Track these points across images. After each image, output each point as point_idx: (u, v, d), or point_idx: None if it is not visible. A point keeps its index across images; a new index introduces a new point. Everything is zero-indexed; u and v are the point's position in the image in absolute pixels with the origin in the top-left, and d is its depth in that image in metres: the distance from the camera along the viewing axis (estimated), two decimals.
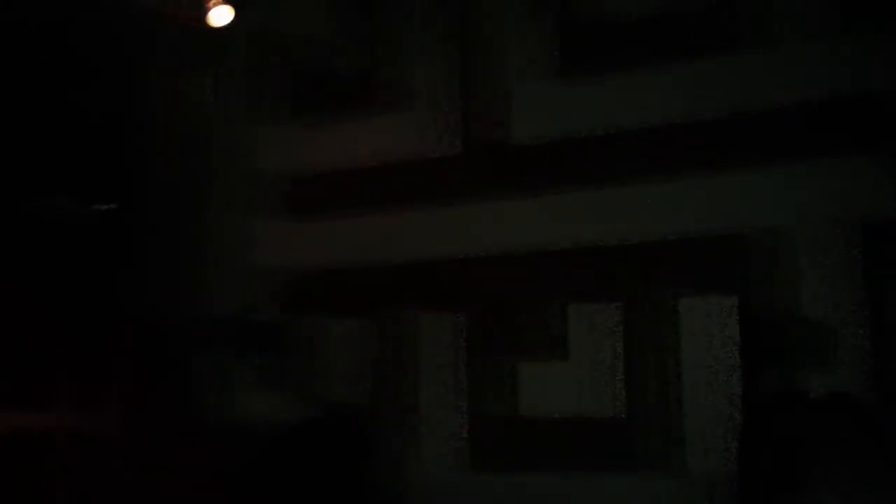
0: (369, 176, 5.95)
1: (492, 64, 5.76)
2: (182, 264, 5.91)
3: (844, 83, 4.91)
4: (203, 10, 5.90)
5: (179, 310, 5.69)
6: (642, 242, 5.25)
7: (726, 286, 5.01)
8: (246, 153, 6.25)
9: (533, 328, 5.46)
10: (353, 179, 6.00)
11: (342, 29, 6.18)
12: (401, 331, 5.75)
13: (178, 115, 6.11)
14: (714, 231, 5.10)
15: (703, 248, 5.12)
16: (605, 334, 5.28)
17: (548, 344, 5.40)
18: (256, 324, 5.89)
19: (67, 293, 5.22)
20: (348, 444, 2.28)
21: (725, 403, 4.87)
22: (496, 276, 5.58)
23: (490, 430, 5.49)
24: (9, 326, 4.81)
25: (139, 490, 3.19)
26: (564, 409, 5.31)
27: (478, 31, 5.82)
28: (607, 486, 5.14)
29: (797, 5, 5.05)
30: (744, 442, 4.01)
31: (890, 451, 4.05)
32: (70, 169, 5.51)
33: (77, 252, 5.47)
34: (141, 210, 5.86)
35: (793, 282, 4.91)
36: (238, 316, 5.92)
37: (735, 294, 4.96)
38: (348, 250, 5.93)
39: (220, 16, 5.93)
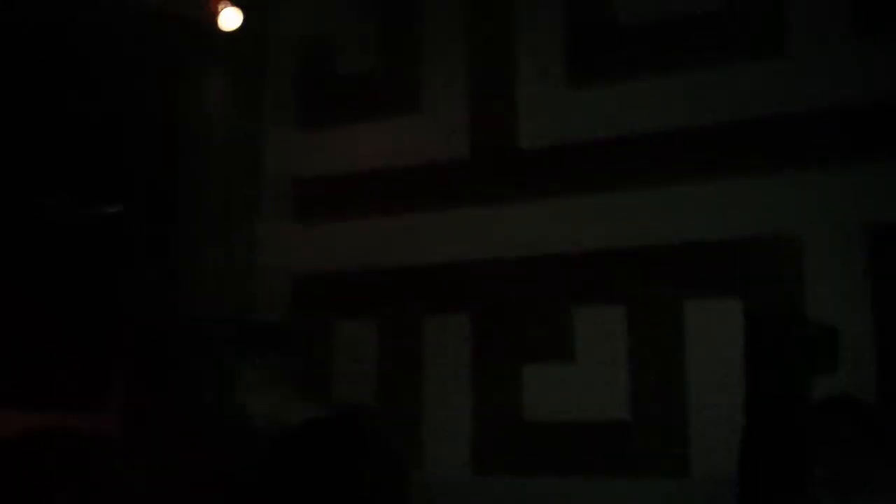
0: (376, 179, 5.96)
1: (499, 68, 5.76)
2: (186, 266, 5.90)
3: (850, 90, 4.90)
4: (211, 13, 5.91)
5: (185, 311, 5.71)
6: (648, 246, 5.26)
7: (731, 289, 4.90)
8: (251, 156, 6.25)
9: (538, 331, 5.46)
10: (359, 183, 6.00)
11: (349, 32, 6.18)
12: (405, 333, 5.76)
13: (182, 116, 6.09)
14: (719, 235, 5.09)
15: (709, 251, 5.11)
16: (609, 337, 5.27)
17: (553, 346, 5.40)
18: (262, 325, 5.91)
19: (71, 294, 5.23)
20: (352, 446, 2.27)
21: (730, 406, 4.84)
22: (501, 278, 5.59)
23: (494, 432, 5.49)
24: (11, 327, 4.82)
25: (142, 491, 3.18)
26: (569, 411, 5.31)
27: (485, 35, 5.84)
28: (611, 489, 5.12)
29: (806, 12, 5.05)
30: (744, 443, 3.98)
31: (890, 452, 4.03)
32: (72, 169, 5.51)
33: (81, 253, 5.48)
34: (144, 211, 5.87)
35: (798, 286, 4.89)
36: (243, 317, 5.93)
37: (739, 297, 4.92)
38: (354, 253, 5.94)
39: (229, 19, 5.94)
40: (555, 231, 5.48)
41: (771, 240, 4.91)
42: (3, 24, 5.09)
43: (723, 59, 5.19)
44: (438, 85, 5.91)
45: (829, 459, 3.98)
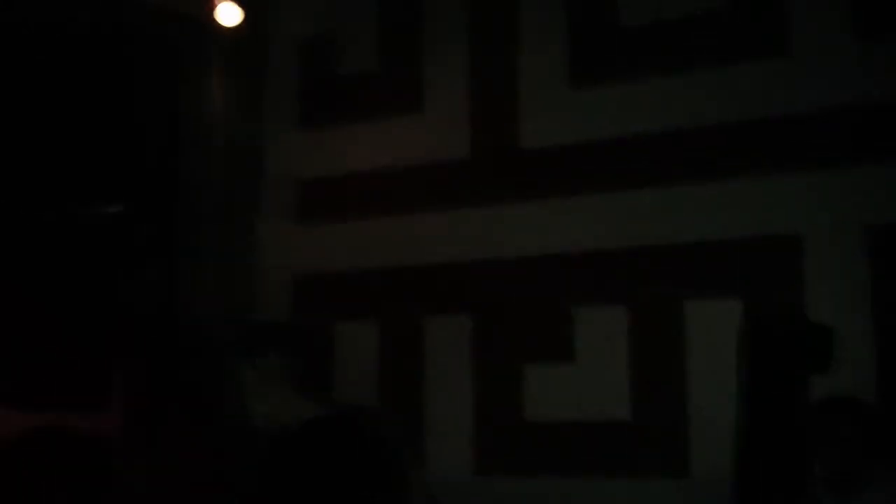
0: (377, 179, 5.96)
1: (500, 68, 5.76)
2: (186, 266, 5.89)
3: (851, 90, 4.91)
4: (210, 11, 5.91)
5: (185, 311, 5.72)
6: (648, 246, 5.26)
7: (731, 289, 5.00)
8: (252, 156, 6.26)
9: (538, 331, 5.46)
10: (360, 183, 6.00)
11: (349, 32, 6.17)
12: (406, 334, 5.76)
13: (182, 117, 6.08)
14: (720, 235, 5.10)
15: (709, 251, 5.12)
16: (610, 337, 5.27)
17: (553, 347, 5.40)
18: (262, 325, 5.92)
19: (72, 294, 5.22)
20: (350, 445, 2.27)
21: (731, 406, 4.83)
22: (502, 279, 5.59)
23: (495, 432, 5.49)
24: (11, 327, 4.81)
25: (142, 491, 3.18)
26: (569, 411, 5.31)
27: (487, 35, 5.83)
28: (611, 489, 5.12)
29: (807, 14, 5.05)
30: (740, 442, 3.99)
31: (890, 452, 4.03)
32: (72, 170, 5.51)
33: (81, 253, 5.47)
34: (144, 211, 5.87)
35: (798, 286, 4.91)
36: (243, 317, 5.94)
37: (740, 297, 4.93)
38: (355, 253, 5.94)
39: (228, 15, 5.92)
40: (555, 231, 5.47)
41: (771, 240, 4.97)
42: (1, 24, 5.09)
43: (724, 59, 5.19)
44: (439, 85, 5.90)
45: (829, 459, 3.99)
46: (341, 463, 2.33)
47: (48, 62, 5.45)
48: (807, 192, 4.95)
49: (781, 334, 4.13)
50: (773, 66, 5.09)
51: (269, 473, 2.40)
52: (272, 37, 6.36)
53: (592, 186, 5.42)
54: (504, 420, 5.47)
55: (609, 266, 5.35)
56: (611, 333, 5.27)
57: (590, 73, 5.55)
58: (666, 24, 5.35)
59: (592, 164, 5.44)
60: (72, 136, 5.48)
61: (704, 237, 5.13)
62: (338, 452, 2.35)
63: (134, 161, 5.71)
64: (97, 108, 5.58)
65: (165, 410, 3.40)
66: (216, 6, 5.89)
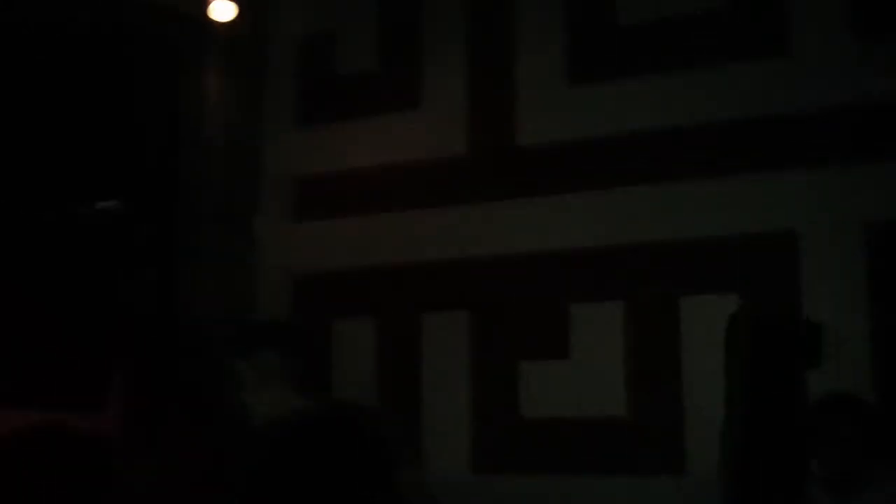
0: (375, 177, 5.97)
1: (498, 66, 5.77)
2: (186, 266, 5.91)
3: (850, 90, 4.92)
4: (206, 7, 5.92)
5: (185, 311, 5.74)
6: (645, 243, 5.27)
7: (728, 286, 5.00)
8: (251, 155, 6.26)
9: (536, 328, 5.47)
10: (358, 181, 6.01)
11: (350, 31, 6.17)
12: (404, 331, 5.77)
13: (182, 115, 6.10)
14: (717, 233, 5.11)
15: (706, 249, 5.13)
16: (606, 334, 5.29)
17: (550, 343, 5.41)
18: (261, 324, 5.91)
19: (71, 294, 5.22)
20: (339, 441, 2.27)
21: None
22: (500, 276, 5.59)
23: (492, 429, 5.50)
24: (11, 327, 4.81)
25: (142, 490, 3.17)
26: (566, 408, 5.32)
27: (485, 33, 5.83)
28: (609, 487, 5.13)
29: (810, 14, 5.06)
30: (743, 443, 3.99)
31: (890, 452, 4.03)
32: (71, 169, 5.51)
33: (90, 254, 5.48)
34: (149, 213, 5.89)
35: (796, 284, 4.92)
36: (243, 316, 5.96)
37: (738, 294, 4.94)
38: (353, 251, 5.95)
39: (222, 11, 5.93)
40: (553, 229, 5.49)
41: (769, 238, 4.97)
42: (1, 24, 5.09)
43: (723, 58, 5.20)
44: (437, 83, 5.91)
45: (829, 459, 3.99)
46: (335, 459, 2.33)
47: (48, 62, 5.44)
48: (805, 190, 4.96)
49: (772, 330, 4.15)
50: (772, 65, 5.11)
51: (262, 468, 2.40)
52: (272, 36, 6.37)
53: (590, 184, 5.43)
54: (501, 417, 5.48)
55: (606, 263, 5.36)
56: (608, 330, 5.29)
57: (588, 72, 5.56)
58: (664, 23, 5.36)
59: (590, 162, 5.45)
60: (71, 136, 5.48)
61: (702, 234, 5.15)
62: (331, 449, 2.34)
63: (134, 161, 5.71)
64: (97, 107, 5.58)
65: (165, 410, 3.40)
66: (211, 3, 5.91)
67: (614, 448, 5.20)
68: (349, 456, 2.30)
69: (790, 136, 5.02)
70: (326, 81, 6.23)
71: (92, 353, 4.78)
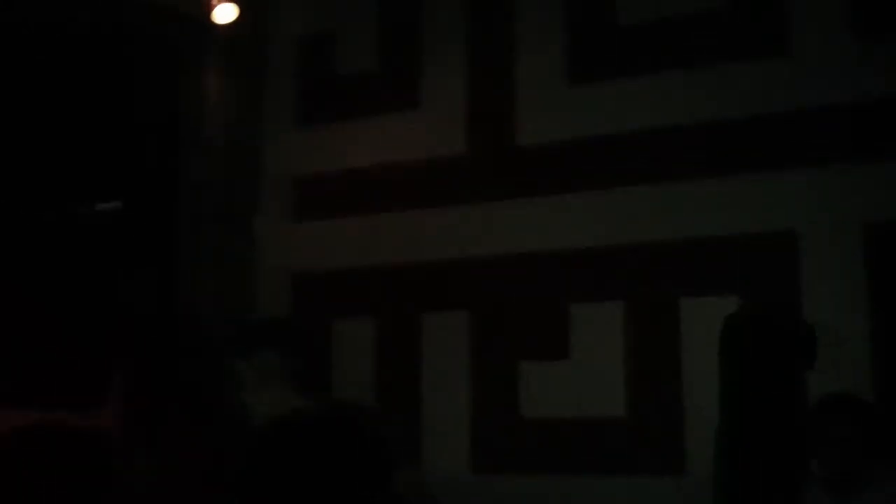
0: (375, 177, 5.96)
1: (498, 66, 5.76)
2: (186, 265, 5.92)
3: (850, 89, 4.91)
4: (209, 8, 5.90)
5: (185, 310, 5.75)
6: (645, 243, 5.26)
7: (728, 287, 5.00)
8: (251, 155, 6.26)
9: (535, 328, 5.46)
10: (358, 180, 6.01)
11: (350, 31, 6.17)
12: (404, 330, 5.76)
13: (182, 115, 6.11)
14: (717, 233, 5.10)
15: (706, 249, 5.12)
16: (606, 334, 5.28)
17: (550, 344, 5.40)
18: (261, 323, 5.87)
19: (71, 294, 5.22)
20: (333, 440, 2.28)
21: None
22: (499, 276, 5.59)
23: (492, 429, 5.49)
24: (11, 326, 4.81)
25: (146, 491, 3.18)
26: (566, 408, 5.31)
27: (485, 33, 5.83)
28: (608, 487, 5.13)
29: (810, 14, 5.05)
30: (741, 443, 4.00)
31: (890, 452, 4.03)
32: (71, 169, 5.51)
33: (90, 254, 5.48)
34: (149, 212, 5.89)
35: (796, 284, 4.91)
36: (243, 316, 5.95)
37: (737, 295, 4.95)
38: (353, 250, 5.94)
39: (224, 13, 5.92)
40: (553, 228, 5.48)
41: (769, 238, 4.97)
42: (1, 24, 5.08)
43: (723, 58, 5.19)
44: (437, 83, 5.90)
45: (829, 459, 3.99)
46: (333, 459, 2.33)
47: (48, 62, 5.44)
48: (805, 189, 4.95)
49: (772, 331, 4.15)
50: (772, 65, 5.10)
51: (261, 467, 2.41)
52: (272, 36, 6.36)
53: (590, 184, 5.42)
54: (501, 417, 5.47)
55: (606, 263, 5.35)
56: (607, 331, 5.28)
57: (587, 71, 5.55)
58: (664, 23, 5.35)
59: (590, 161, 5.45)
60: (71, 136, 5.47)
61: (702, 234, 5.14)
62: (330, 449, 2.35)
63: (133, 161, 5.71)
64: (97, 107, 5.57)
65: (165, 410, 3.40)
66: (214, 6, 5.89)
67: (614, 448, 5.19)
68: (348, 456, 2.30)
69: (790, 135, 5.01)
70: (326, 81, 6.22)
71: (92, 353, 4.77)
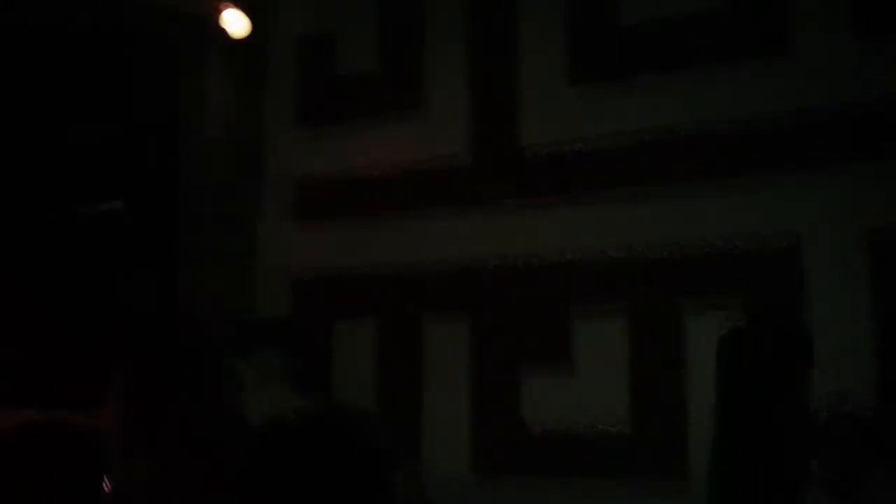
0: (376, 180, 5.94)
1: (501, 70, 5.72)
2: (188, 266, 5.92)
3: (854, 93, 4.87)
4: (216, 15, 5.93)
5: (186, 311, 5.74)
6: (649, 250, 5.21)
7: (733, 294, 4.95)
8: (252, 156, 6.25)
9: (537, 337, 5.42)
10: (360, 184, 5.98)
11: (350, 31, 6.15)
12: (405, 335, 5.73)
13: (182, 116, 6.10)
14: (721, 238, 5.06)
15: (710, 258, 5.08)
16: (609, 345, 5.23)
17: (552, 355, 5.36)
18: (261, 324, 5.85)
19: (80, 294, 5.22)
20: (328, 442, 2.29)
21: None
22: (501, 282, 5.55)
23: (493, 439, 5.46)
24: (11, 326, 4.81)
25: (146, 491, 3.19)
26: (568, 421, 5.27)
27: (487, 36, 5.80)
28: (610, 499, 5.10)
29: (810, 14, 5.01)
30: (742, 445, 3.99)
31: (890, 453, 4.02)
32: (71, 169, 5.51)
33: (90, 254, 5.48)
34: (149, 212, 5.89)
35: (800, 289, 4.87)
36: (243, 317, 5.96)
37: (741, 301, 4.89)
38: (355, 255, 5.92)
39: (233, 22, 5.95)
40: (555, 235, 5.44)
41: (772, 243, 4.95)
42: (4, 24, 5.08)
43: (724, 60, 5.15)
44: (439, 85, 5.87)
45: (829, 459, 3.98)
46: (330, 461, 2.34)
47: (46, 61, 5.43)
48: (807, 193, 4.91)
49: (775, 332, 4.14)
50: (773, 66, 5.05)
51: (259, 468, 2.41)
52: (272, 36, 6.33)
53: (592, 189, 5.37)
54: (502, 427, 5.43)
55: (609, 272, 5.29)
56: (610, 341, 5.22)
57: (590, 75, 5.50)
58: (666, 24, 5.30)
59: (592, 166, 5.40)
60: (72, 136, 5.47)
61: (704, 240, 5.09)
62: (327, 450, 2.35)
63: (133, 161, 5.70)
64: (97, 107, 5.57)
65: (165, 410, 3.40)
66: (220, 12, 5.92)
67: (616, 460, 5.14)
68: (345, 457, 2.30)
69: (791, 137, 4.96)
70: (327, 82, 6.20)
71: (92, 353, 4.77)
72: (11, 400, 4.13)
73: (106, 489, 3.20)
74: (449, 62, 5.85)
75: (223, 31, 5.97)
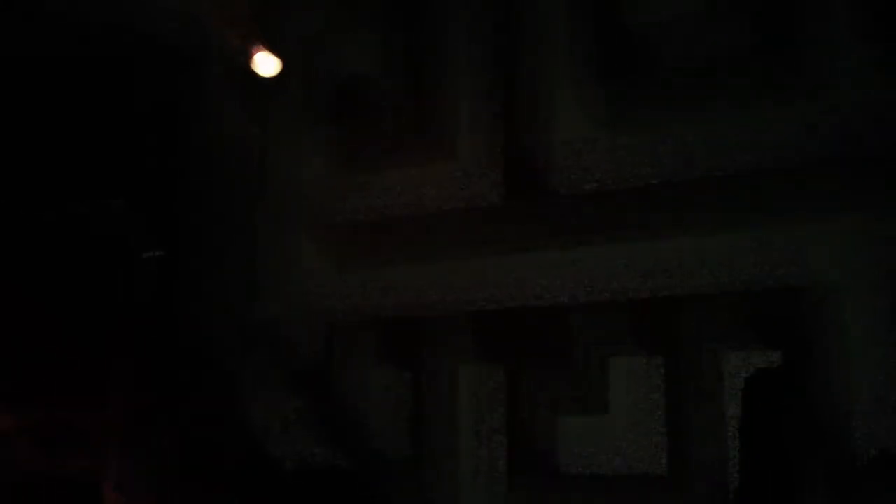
0: (409, 224, 5.85)
1: (534, 112, 5.65)
2: (228, 311, 5.89)
3: (882, 136, 4.79)
4: (249, 57, 5.99)
5: (226, 356, 5.58)
6: (685, 294, 5.10)
7: (770, 339, 4.86)
8: (286, 200, 6.19)
9: (574, 381, 5.29)
10: (393, 228, 5.90)
11: (386, 76, 6.10)
12: (441, 381, 5.63)
13: (223, 155, 6.16)
14: (760, 285, 4.95)
15: (747, 300, 4.97)
16: (646, 388, 5.11)
17: (587, 397, 5.24)
18: (297, 371, 5.83)
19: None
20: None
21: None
22: (537, 328, 5.44)
23: (529, 484, 5.33)
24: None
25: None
26: (604, 464, 5.15)
27: (521, 79, 5.73)
28: None
29: (841, 54, 4.94)
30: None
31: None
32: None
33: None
34: (187, 250, 5.89)
35: (838, 335, 4.77)
36: (279, 362, 5.85)
37: (778, 346, 4.81)
38: (387, 298, 5.83)
39: (266, 64, 6.01)
40: (590, 279, 5.33)
41: (809, 288, 4.78)
42: (57, 59, 5.09)
43: (760, 104, 5.07)
44: (474, 129, 5.79)
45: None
46: None
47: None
48: (847, 238, 4.82)
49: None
50: (807, 108, 4.97)
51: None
52: (308, 80, 6.28)
53: (627, 232, 5.29)
54: (538, 471, 5.31)
55: (645, 314, 5.20)
56: (647, 384, 5.12)
57: (623, 118, 5.43)
58: (702, 68, 5.24)
59: (626, 211, 5.32)
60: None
61: (743, 286, 4.98)
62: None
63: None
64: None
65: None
66: (253, 56, 5.99)
67: (653, 502, 5.01)
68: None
69: (832, 182, 4.88)
70: (362, 129, 6.10)
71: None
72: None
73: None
74: (482, 105, 5.76)
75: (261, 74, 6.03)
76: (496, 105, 5.77)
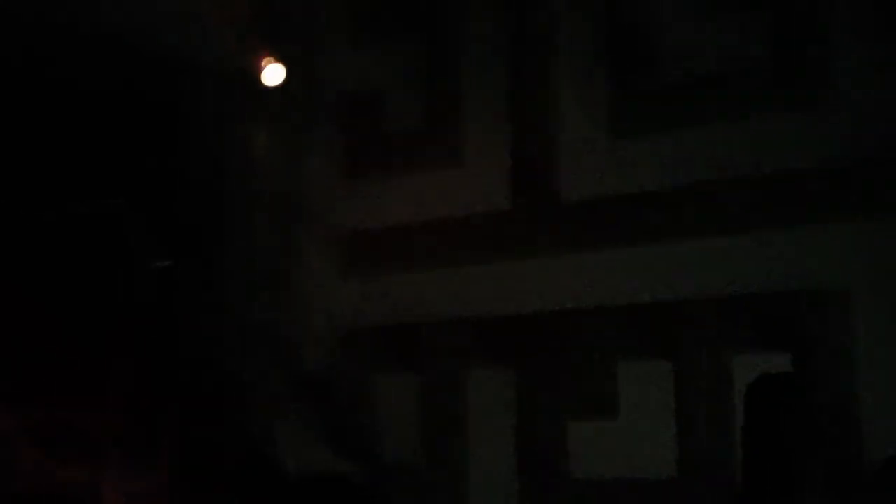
0: (418, 232, 5.85)
1: (542, 120, 5.64)
2: (232, 317, 5.88)
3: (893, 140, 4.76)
4: (257, 69, 5.99)
5: (230, 361, 5.58)
6: (694, 299, 5.09)
7: (780, 343, 4.83)
8: (295, 209, 6.20)
9: (582, 386, 5.30)
10: (402, 236, 5.91)
11: (395, 86, 6.09)
12: (449, 387, 5.63)
13: (228, 169, 6.16)
14: (768, 289, 4.93)
15: (757, 304, 4.96)
16: (656, 393, 5.10)
17: (598, 402, 5.24)
18: (305, 378, 5.84)
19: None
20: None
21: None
22: (544, 332, 5.44)
23: (539, 489, 5.35)
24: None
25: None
26: (615, 468, 5.14)
27: (529, 88, 5.73)
28: None
29: (849, 64, 4.92)
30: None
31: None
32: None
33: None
34: (187, 250, 5.87)
35: (848, 338, 4.75)
36: (287, 370, 5.86)
37: (789, 350, 4.76)
38: (397, 306, 5.83)
39: (273, 75, 6.01)
40: (598, 284, 5.32)
41: (819, 292, 4.77)
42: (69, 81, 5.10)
43: (766, 109, 5.06)
44: (480, 137, 5.79)
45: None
46: None
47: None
48: (854, 242, 4.80)
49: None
50: (815, 114, 4.95)
51: None
52: (319, 93, 6.29)
53: (634, 238, 5.29)
54: (548, 477, 5.32)
55: (655, 319, 5.19)
56: (656, 388, 5.10)
57: (629, 126, 5.42)
58: (706, 76, 5.23)
59: (633, 215, 5.32)
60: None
61: (750, 289, 4.96)
62: None
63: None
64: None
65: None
66: (263, 66, 6.01)
67: None
68: None
69: (842, 189, 4.85)
70: (371, 137, 6.12)
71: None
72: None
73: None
74: (490, 114, 5.76)
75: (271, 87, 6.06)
76: (502, 111, 5.76)
